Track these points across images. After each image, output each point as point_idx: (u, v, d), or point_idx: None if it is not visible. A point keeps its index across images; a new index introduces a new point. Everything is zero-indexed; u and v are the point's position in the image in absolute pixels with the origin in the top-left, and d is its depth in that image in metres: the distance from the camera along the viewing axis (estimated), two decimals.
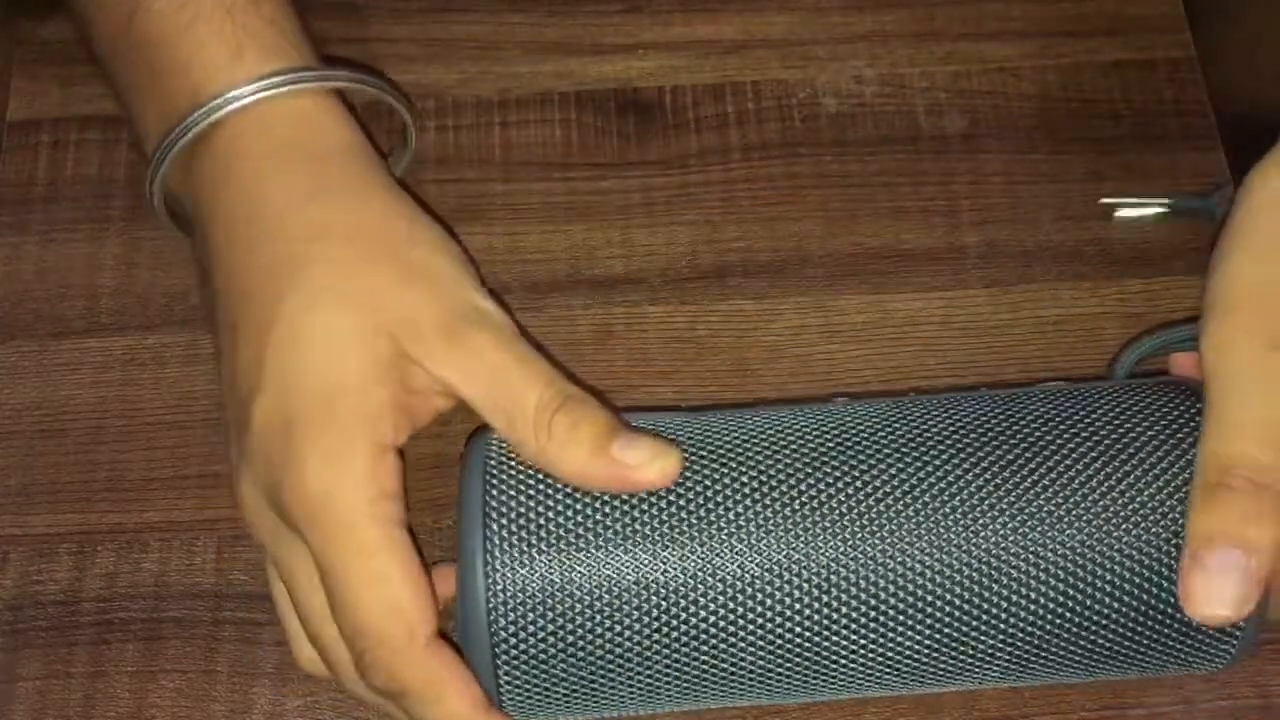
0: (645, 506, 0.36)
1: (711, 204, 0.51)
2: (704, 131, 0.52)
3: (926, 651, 0.37)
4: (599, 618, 0.36)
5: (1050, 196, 0.51)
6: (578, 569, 0.36)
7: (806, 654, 0.37)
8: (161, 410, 0.47)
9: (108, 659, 0.44)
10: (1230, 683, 0.44)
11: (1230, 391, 0.36)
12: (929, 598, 0.36)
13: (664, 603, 0.36)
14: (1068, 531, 0.36)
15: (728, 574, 0.36)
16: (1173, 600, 0.36)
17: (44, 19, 0.54)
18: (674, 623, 0.36)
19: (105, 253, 0.50)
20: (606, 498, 0.37)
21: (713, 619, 0.36)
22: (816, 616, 0.36)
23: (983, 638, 0.37)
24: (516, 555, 0.36)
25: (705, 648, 0.36)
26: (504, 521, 0.36)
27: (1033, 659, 0.37)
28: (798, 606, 0.36)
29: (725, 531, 0.36)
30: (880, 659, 0.37)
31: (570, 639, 0.36)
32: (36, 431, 0.47)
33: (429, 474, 0.46)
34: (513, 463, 0.38)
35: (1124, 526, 0.36)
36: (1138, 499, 0.37)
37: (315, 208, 0.41)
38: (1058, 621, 0.37)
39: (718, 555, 0.36)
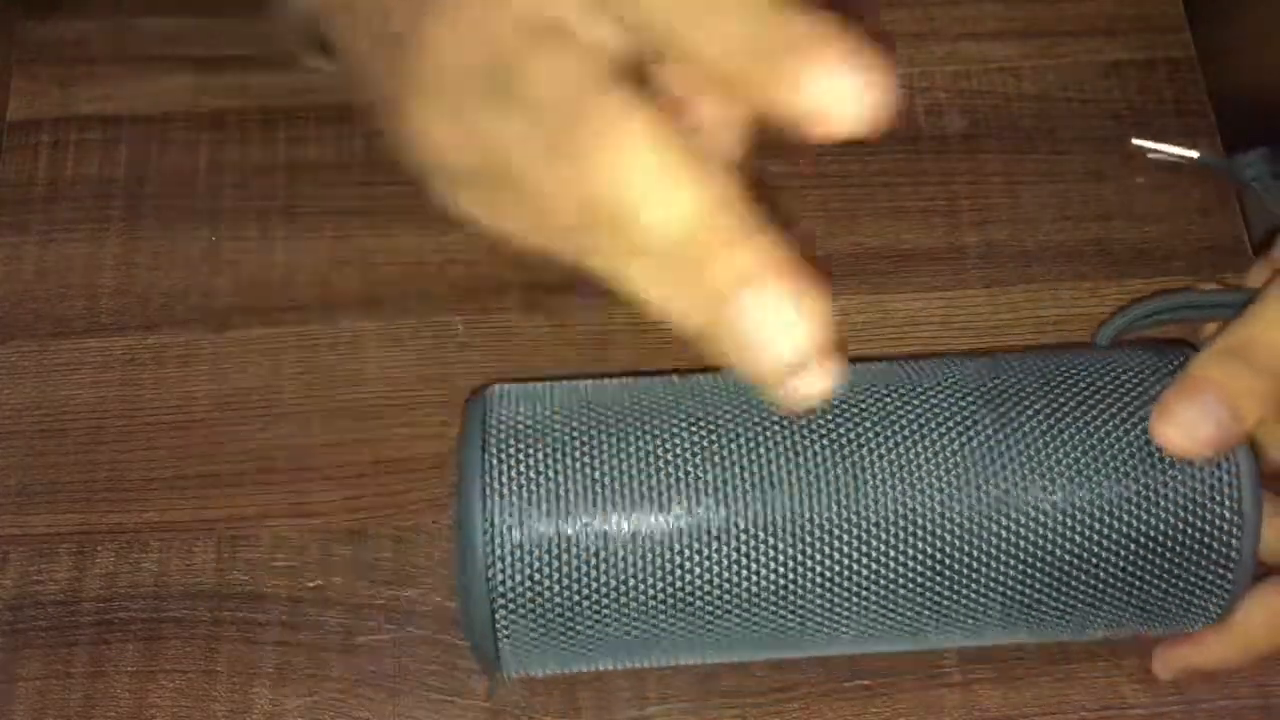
0: (634, 464, 0.37)
1: None
2: None
3: (918, 591, 0.37)
4: (595, 569, 0.36)
5: (1050, 196, 0.51)
6: (574, 521, 0.36)
7: (801, 604, 0.37)
8: (161, 410, 0.47)
9: (108, 659, 0.44)
10: (1231, 683, 0.44)
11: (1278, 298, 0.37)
12: (920, 530, 0.37)
13: (653, 551, 0.36)
14: (1054, 464, 0.37)
15: (718, 528, 0.36)
16: (1166, 530, 0.37)
17: (44, 19, 0.54)
18: (671, 573, 0.36)
19: (105, 253, 0.50)
20: (600, 454, 0.37)
21: (702, 571, 0.37)
22: (813, 565, 0.37)
23: (974, 578, 0.37)
24: (515, 506, 0.36)
25: (696, 600, 0.37)
26: (502, 470, 0.37)
27: (1026, 598, 0.38)
28: (780, 558, 0.36)
29: (712, 486, 0.37)
30: (873, 606, 0.37)
31: (566, 589, 0.36)
32: (36, 431, 0.47)
33: (428, 474, 0.46)
34: (511, 418, 0.38)
35: (1111, 450, 0.37)
36: (1127, 422, 0.37)
37: None
38: (1048, 559, 0.37)
39: (707, 509, 0.36)
